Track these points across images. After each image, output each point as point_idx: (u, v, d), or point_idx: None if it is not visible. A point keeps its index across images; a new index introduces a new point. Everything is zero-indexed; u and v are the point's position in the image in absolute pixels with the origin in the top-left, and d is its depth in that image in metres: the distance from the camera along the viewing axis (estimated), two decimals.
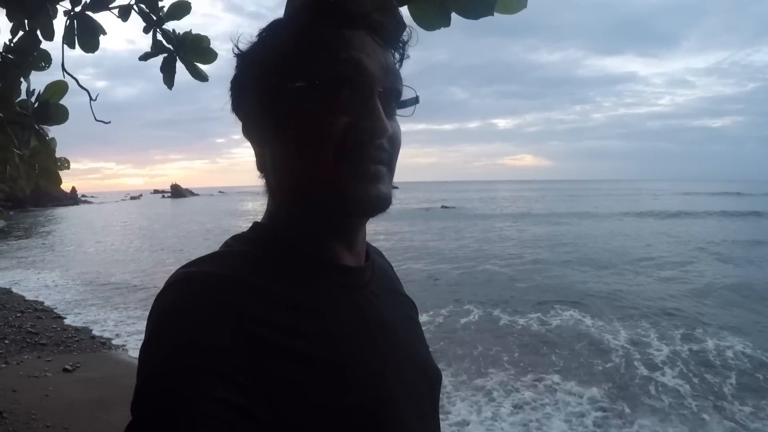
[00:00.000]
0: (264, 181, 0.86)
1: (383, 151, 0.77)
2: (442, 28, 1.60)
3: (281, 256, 0.78)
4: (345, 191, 0.75)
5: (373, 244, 1.00)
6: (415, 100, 0.85)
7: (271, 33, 0.82)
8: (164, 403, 0.58)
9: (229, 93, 0.85)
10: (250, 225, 0.86)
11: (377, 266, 0.93)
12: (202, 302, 0.65)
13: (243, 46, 0.83)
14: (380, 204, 0.77)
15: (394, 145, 0.81)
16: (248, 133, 0.84)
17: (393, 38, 0.83)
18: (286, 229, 0.82)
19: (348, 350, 0.73)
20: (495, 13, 1.26)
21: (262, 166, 0.85)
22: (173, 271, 0.72)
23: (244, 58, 0.83)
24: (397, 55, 0.84)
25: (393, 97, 0.81)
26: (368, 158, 0.76)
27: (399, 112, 0.84)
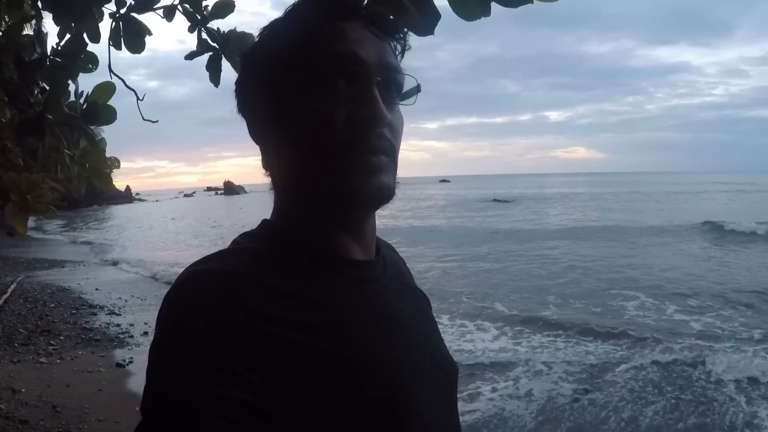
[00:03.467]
0: (269, 179, 0.87)
1: (384, 140, 0.78)
2: (483, 18, 1.56)
3: (288, 251, 0.79)
4: (347, 183, 0.76)
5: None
6: (416, 89, 0.85)
7: (269, 31, 0.84)
8: (173, 403, 0.59)
9: (234, 95, 0.88)
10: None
11: (389, 260, 0.93)
12: (209, 299, 0.66)
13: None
14: (383, 195, 0.78)
15: (395, 134, 0.81)
16: (252, 132, 0.86)
17: (391, 29, 0.84)
18: (293, 225, 0.83)
19: (360, 344, 0.74)
20: (535, 1, 1.22)
21: (266, 163, 0.86)
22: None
23: (245, 58, 0.87)
24: (398, 47, 0.86)
25: (393, 87, 0.82)
26: (369, 149, 0.76)
27: (402, 103, 0.85)
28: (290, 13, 0.83)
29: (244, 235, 0.84)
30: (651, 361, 7.39)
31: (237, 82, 0.87)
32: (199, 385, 0.59)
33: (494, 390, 6.59)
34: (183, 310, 0.66)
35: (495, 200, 49.03)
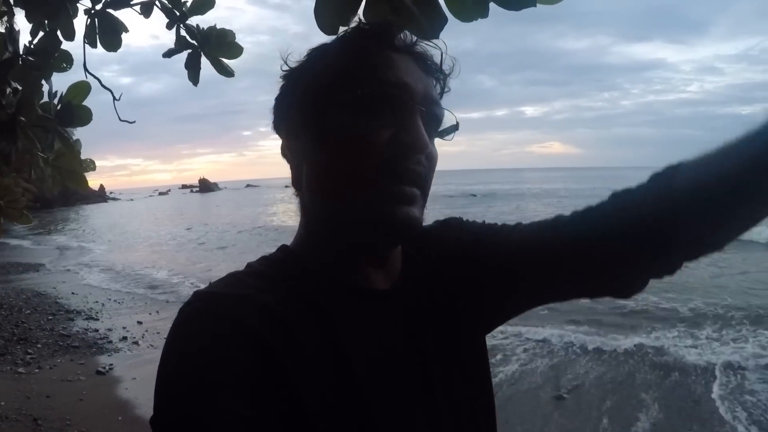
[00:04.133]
0: (298, 199, 0.88)
1: (421, 167, 0.79)
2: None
3: (299, 277, 0.80)
4: (377, 209, 0.77)
5: None
6: (455, 127, 0.87)
7: (319, 52, 0.85)
8: (178, 419, 0.62)
9: (272, 110, 0.89)
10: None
11: (420, 276, 0.92)
12: (212, 321, 0.69)
13: (292, 64, 0.87)
14: (409, 228, 0.78)
15: (431, 165, 0.82)
16: (288, 149, 0.87)
17: (435, 67, 0.87)
18: (313, 251, 0.84)
19: (359, 371, 0.74)
20: (538, 4, 1.20)
21: (297, 182, 0.87)
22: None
23: (290, 76, 0.87)
24: (438, 87, 0.88)
25: (433, 121, 0.84)
26: (406, 175, 0.77)
27: (440, 137, 0.88)
28: (342, 38, 0.85)
29: (262, 258, 0.86)
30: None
31: (277, 99, 0.88)
32: (203, 402, 0.62)
33: None
34: (186, 332, 0.70)
35: (472, 195, 49.43)
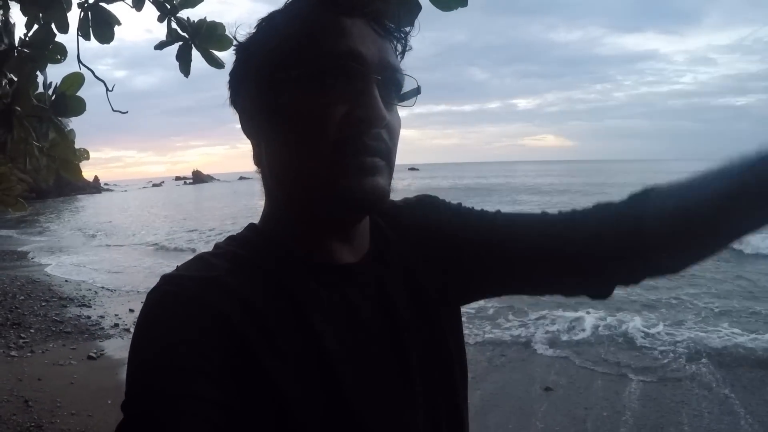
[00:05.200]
0: (260, 176, 0.85)
1: (381, 141, 0.75)
2: (459, 9, 1.56)
3: (267, 256, 0.79)
4: (340, 183, 0.73)
5: None
6: (416, 91, 0.82)
7: (269, 23, 0.81)
8: (147, 403, 0.62)
9: (228, 86, 0.85)
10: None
11: (394, 252, 0.90)
12: (179, 304, 0.68)
13: (241, 38, 0.82)
14: (377, 198, 0.75)
15: (392, 136, 0.78)
16: (245, 126, 0.84)
17: (393, 28, 0.81)
18: (278, 229, 0.82)
19: (332, 349, 0.74)
20: None
21: (258, 161, 0.84)
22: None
23: (241, 50, 0.82)
24: (399, 46, 0.82)
25: (392, 87, 0.79)
26: (365, 149, 0.74)
27: (401, 104, 0.82)
28: (290, 6, 0.80)
29: (229, 239, 0.84)
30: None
31: (231, 74, 0.84)
32: (172, 386, 0.62)
33: None
34: (154, 316, 0.68)
35: (468, 188, 49.05)
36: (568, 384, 6.05)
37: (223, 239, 0.84)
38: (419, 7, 1.24)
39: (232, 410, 0.63)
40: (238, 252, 0.79)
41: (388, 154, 0.77)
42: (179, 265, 0.77)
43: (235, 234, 0.85)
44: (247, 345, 0.67)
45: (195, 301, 0.68)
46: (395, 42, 0.81)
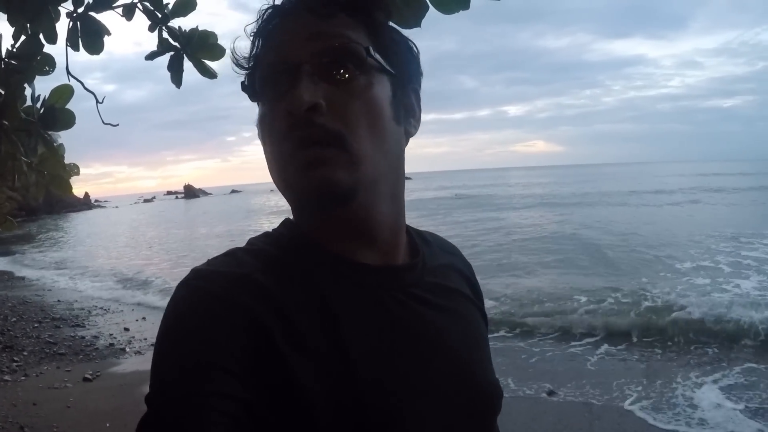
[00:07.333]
0: None
1: (315, 127, 0.73)
2: (447, 15, 1.53)
3: (298, 254, 0.79)
4: (291, 183, 0.77)
5: None
6: (366, 51, 0.77)
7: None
8: (171, 398, 0.62)
9: None
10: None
11: (431, 267, 0.90)
12: (208, 300, 0.68)
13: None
14: (326, 191, 0.74)
15: (342, 114, 0.75)
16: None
17: (329, 7, 0.78)
18: (306, 227, 0.83)
19: (359, 350, 0.72)
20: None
21: None
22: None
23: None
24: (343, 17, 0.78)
25: (336, 64, 0.76)
26: (299, 143, 0.73)
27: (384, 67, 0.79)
28: (259, 16, 0.83)
29: (264, 235, 0.85)
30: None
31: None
32: (197, 382, 0.62)
33: None
34: (182, 310, 0.69)
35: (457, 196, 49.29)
36: None
37: (259, 235, 0.85)
38: (426, 7, 1.19)
39: (256, 409, 0.63)
40: (270, 250, 0.79)
41: (334, 137, 0.74)
42: (210, 259, 0.77)
43: (270, 230, 0.86)
44: (274, 344, 0.67)
45: (224, 298, 0.68)
46: (343, 13, 0.78)
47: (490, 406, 0.88)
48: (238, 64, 0.84)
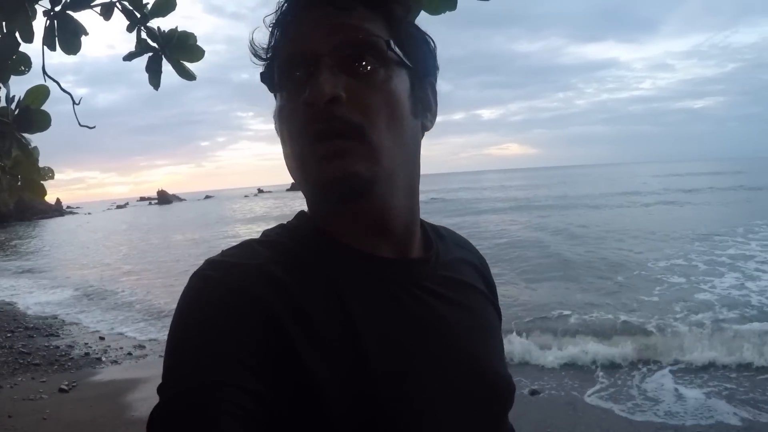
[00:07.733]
0: None
1: (335, 120, 0.72)
2: (426, 18, 1.54)
3: (312, 246, 0.79)
4: (309, 176, 0.76)
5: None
6: (387, 44, 0.76)
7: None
8: (183, 389, 0.62)
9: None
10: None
11: (444, 261, 0.89)
12: (221, 291, 0.67)
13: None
14: (345, 184, 0.73)
15: (362, 107, 0.74)
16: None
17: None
18: (319, 219, 0.82)
19: (373, 342, 0.72)
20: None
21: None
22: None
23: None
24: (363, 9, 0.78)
25: (356, 57, 0.76)
26: (317, 136, 0.73)
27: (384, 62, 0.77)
28: (277, 8, 0.81)
29: (279, 227, 0.84)
30: None
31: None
32: (209, 374, 0.61)
33: None
34: (195, 301, 0.68)
35: (433, 198, 49.56)
36: None
37: (274, 226, 0.85)
38: (418, 9, 1.19)
39: (270, 401, 0.63)
40: (285, 241, 0.79)
41: (354, 129, 0.73)
42: (224, 249, 0.77)
43: (285, 223, 0.86)
44: (286, 335, 0.66)
45: (237, 289, 0.68)
46: (361, 6, 0.77)
47: (502, 400, 0.87)
48: (256, 55, 0.83)
